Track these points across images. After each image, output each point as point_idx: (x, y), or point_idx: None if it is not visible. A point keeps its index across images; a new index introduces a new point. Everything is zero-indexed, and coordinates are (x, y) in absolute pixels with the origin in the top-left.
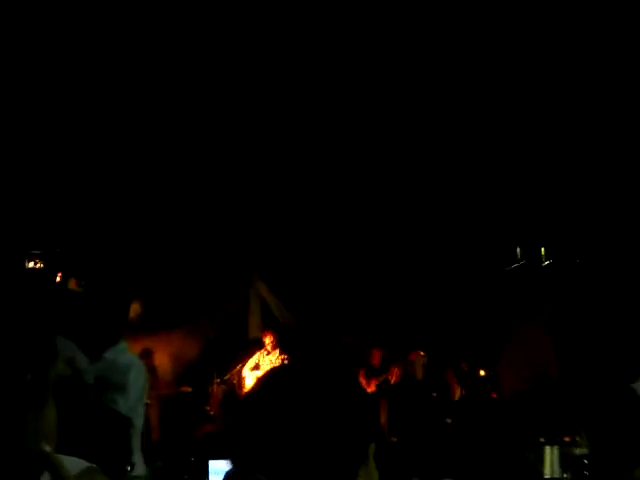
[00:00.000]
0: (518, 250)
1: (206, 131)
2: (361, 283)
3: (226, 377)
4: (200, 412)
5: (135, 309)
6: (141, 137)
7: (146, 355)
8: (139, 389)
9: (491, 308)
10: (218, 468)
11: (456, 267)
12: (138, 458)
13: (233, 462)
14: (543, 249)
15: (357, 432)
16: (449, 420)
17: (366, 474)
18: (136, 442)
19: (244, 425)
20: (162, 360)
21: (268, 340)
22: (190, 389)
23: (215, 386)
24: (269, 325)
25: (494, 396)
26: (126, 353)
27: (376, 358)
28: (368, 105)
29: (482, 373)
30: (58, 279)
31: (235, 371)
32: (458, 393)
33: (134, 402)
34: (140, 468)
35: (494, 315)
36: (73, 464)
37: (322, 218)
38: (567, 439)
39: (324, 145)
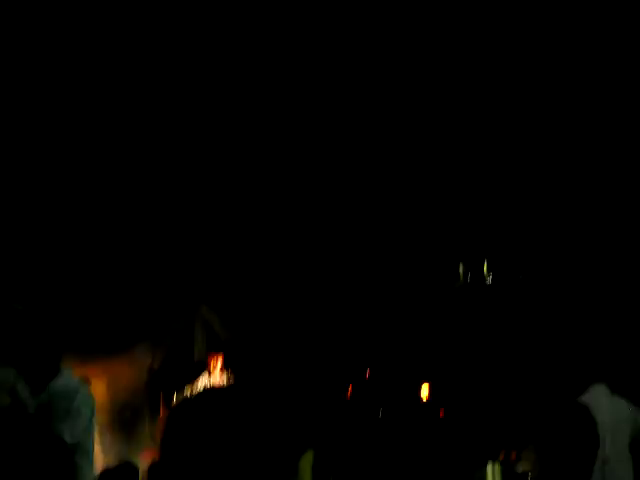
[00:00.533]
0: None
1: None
2: (307, 301)
3: (173, 404)
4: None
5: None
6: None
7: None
8: (87, 414)
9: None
10: None
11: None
12: None
13: None
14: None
15: (272, 449)
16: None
17: None
18: (88, 468)
19: (165, 446)
20: (99, 388)
21: (213, 363)
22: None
23: (160, 408)
24: (214, 346)
25: (441, 415)
26: (70, 381)
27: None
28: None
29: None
30: None
31: (182, 397)
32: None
33: (82, 428)
34: None
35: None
36: None
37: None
38: (512, 456)
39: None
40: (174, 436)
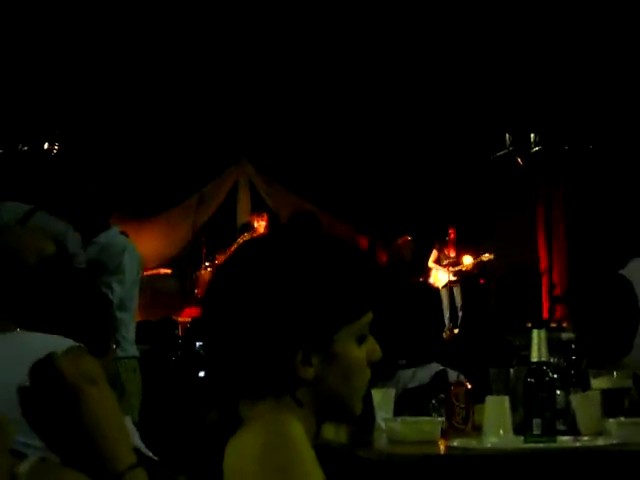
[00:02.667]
0: (507, 136)
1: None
2: (350, 168)
3: (215, 261)
4: (187, 295)
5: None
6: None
7: None
8: (134, 272)
9: (478, 196)
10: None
11: (442, 153)
12: (133, 341)
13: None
14: (533, 135)
15: (321, 309)
16: (433, 305)
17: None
18: (131, 325)
19: (207, 299)
20: (146, 244)
21: (259, 223)
22: (169, 271)
23: (203, 270)
24: (258, 207)
25: (481, 282)
26: (118, 236)
27: (363, 244)
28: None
29: (468, 260)
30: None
31: (224, 254)
32: (439, 277)
33: (129, 285)
34: (133, 349)
35: (481, 202)
36: (58, 342)
37: (313, 98)
38: (553, 325)
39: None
40: (217, 294)
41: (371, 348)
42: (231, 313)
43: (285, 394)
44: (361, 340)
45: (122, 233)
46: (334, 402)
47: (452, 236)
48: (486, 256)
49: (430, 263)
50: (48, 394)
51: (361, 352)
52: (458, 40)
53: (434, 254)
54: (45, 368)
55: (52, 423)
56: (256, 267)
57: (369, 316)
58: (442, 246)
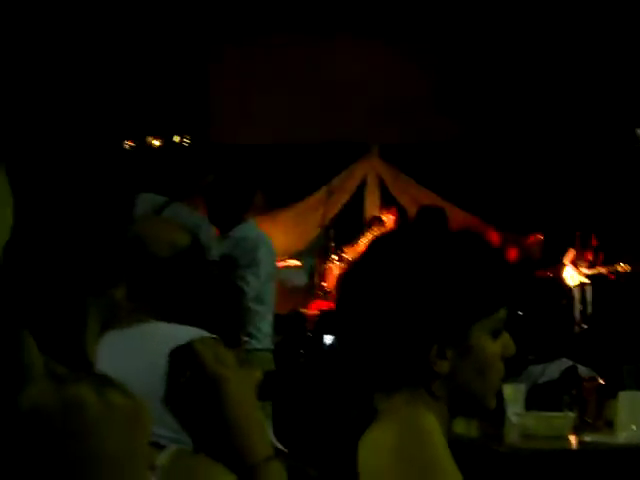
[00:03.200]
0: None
1: None
2: (482, 160)
3: (344, 254)
4: (315, 289)
5: (259, 197)
6: None
7: None
8: (269, 265)
9: (617, 189)
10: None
11: (575, 146)
12: (269, 333)
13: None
14: None
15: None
16: (564, 301)
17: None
18: (267, 318)
19: (339, 293)
20: (274, 237)
21: (388, 218)
22: (300, 264)
23: (331, 263)
24: (387, 201)
25: (612, 278)
26: (255, 229)
27: (495, 240)
28: None
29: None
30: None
31: (353, 248)
32: (574, 275)
33: (265, 278)
34: (268, 341)
35: (622, 196)
36: (192, 333)
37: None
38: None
39: None
40: (353, 289)
41: (506, 343)
42: (368, 308)
43: (420, 387)
44: (496, 335)
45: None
46: (468, 396)
47: (593, 242)
48: (621, 266)
49: (566, 261)
50: (188, 380)
51: (496, 346)
52: (589, 28)
53: (572, 253)
54: (185, 354)
55: (191, 409)
56: (393, 262)
57: (504, 311)
58: (582, 248)
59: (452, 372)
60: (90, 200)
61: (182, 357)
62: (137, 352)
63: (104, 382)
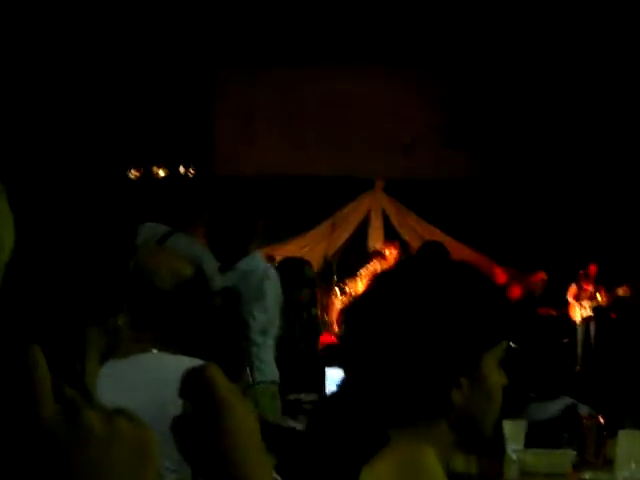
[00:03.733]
0: None
1: None
2: (487, 198)
3: (346, 288)
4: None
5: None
6: None
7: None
8: (275, 298)
9: (622, 232)
10: (334, 376)
11: (578, 184)
12: (272, 365)
13: (343, 368)
14: None
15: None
16: (566, 340)
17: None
18: (271, 350)
19: (348, 328)
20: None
21: (390, 252)
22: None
23: (334, 296)
24: (390, 234)
25: (613, 316)
26: (261, 262)
27: (500, 276)
28: None
29: (604, 297)
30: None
31: (355, 282)
32: (577, 311)
33: (271, 312)
34: (273, 374)
35: (626, 239)
36: (193, 363)
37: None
38: None
39: None
40: (365, 325)
41: (503, 373)
42: (380, 342)
43: (435, 420)
44: (499, 364)
45: (269, 257)
46: (474, 427)
47: (592, 272)
48: (621, 290)
49: (569, 297)
50: (196, 404)
51: (501, 376)
52: (593, 70)
53: (573, 289)
54: (196, 379)
55: (196, 436)
56: (402, 295)
57: (505, 342)
58: (582, 281)
59: (466, 402)
60: (93, 227)
61: (192, 381)
62: (142, 382)
63: (111, 410)
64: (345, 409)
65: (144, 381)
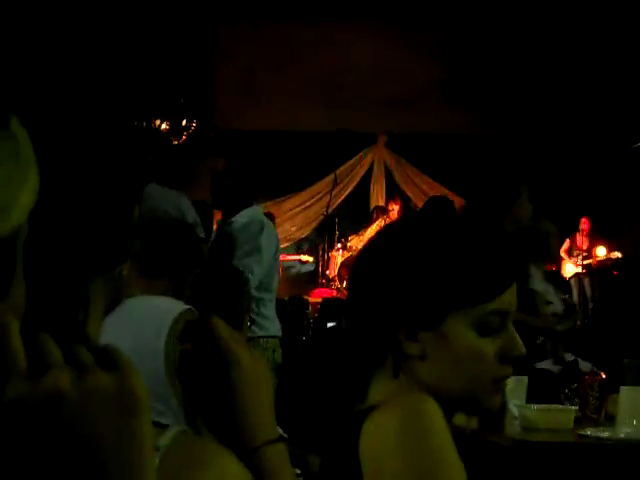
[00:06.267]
0: None
1: None
2: (490, 153)
3: (348, 243)
4: (318, 277)
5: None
6: None
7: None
8: (271, 251)
9: (616, 186)
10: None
11: (580, 140)
12: (273, 319)
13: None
14: None
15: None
16: (567, 295)
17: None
18: (271, 304)
19: (351, 282)
20: (279, 224)
21: (393, 207)
22: (311, 259)
23: (336, 252)
24: (393, 194)
25: (615, 273)
26: (258, 216)
27: None
28: None
29: (602, 251)
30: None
31: (357, 237)
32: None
33: (267, 264)
34: (275, 328)
35: (619, 193)
36: (177, 305)
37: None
38: None
39: None
40: (362, 276)
41: (507, 343)
42: (364, 292)
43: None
44: (483, 329)
45: (267, 214)
46: (453, 390)
47: (585, 226)
48: (616, 254)
49: (562, 252)
50: (200, 353)
51: (483, 343)
52: (597, 26)
53: (566, 243)
54: (200, 327)
55: (200, 384)
56: (388, 248)
57: (498, 307)
58: (575, 236)
59: (428, 357)
60: (96, 173)
61: (193, 326)
62: (135, 326)
63: (90, 363)
64: (337, 361)
65: (142, 322)
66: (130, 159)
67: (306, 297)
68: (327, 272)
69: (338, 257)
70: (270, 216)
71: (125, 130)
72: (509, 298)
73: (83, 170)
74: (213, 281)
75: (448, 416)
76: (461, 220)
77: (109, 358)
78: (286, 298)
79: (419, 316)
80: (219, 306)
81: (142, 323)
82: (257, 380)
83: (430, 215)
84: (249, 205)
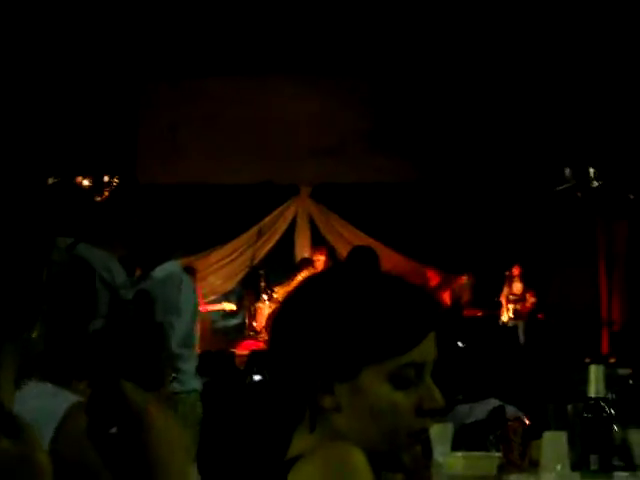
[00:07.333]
0: (567, 171)
1: None
2: (412, 201)
3: (274, 294)
4: (246, 329)
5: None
6: None
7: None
8: (190, 306)
9: (541, 231)
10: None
11: (503, 187)
12: (193, 374)
13: (268, 373)
14: (592, 170)
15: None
16: (496, 341)
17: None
18: (192, 359)
19: (272, 335)
20: (203, 277)
21: (319, 258)
22: (235, 307)
23: (262, 304)
24: (318, 241)
25: (540, 317)
26: (177, 270)
27: (433, 279)
28: None
29: (531, 299)
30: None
31: (283, 288)
32: (506, 313)
33: (188, 319)
34: (195, 383)
35: (544, 238)
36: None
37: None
38: (612, 360)
39: None
40: (281, 329)
41: (424, 395)
42: (280, 342)
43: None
44: (398, 382)
45: (187, 268)
46: (371, 442)
47: (516, 272)
48: (530, 298)
49: (501, 299)
50: (111, 418)
51: (396, 395)
52: (518, 72)
53: (505, 290)
54: (109, 391)
55: (114, 451)
56: (307, 301)
57: (413, 360)
58: (509, 282)
59: (343, 409)
60: (6, 238)
61: (107, 392)
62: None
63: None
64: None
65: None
66: (37, 222)
67: (233, 350)
68: (254, 324)
69: (265, 308)
70: (190, 270)
71: (33, 193)
72: (426, 349)
73: None
74: (133, 337)
75: (374, 468)
76: (378, 272)
77: (15, 426)
78: (212, 351)
79: (334, 368)
80: (140, 362)
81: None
82: (171, 440)
83: (348, 268)
84: (167, 259)
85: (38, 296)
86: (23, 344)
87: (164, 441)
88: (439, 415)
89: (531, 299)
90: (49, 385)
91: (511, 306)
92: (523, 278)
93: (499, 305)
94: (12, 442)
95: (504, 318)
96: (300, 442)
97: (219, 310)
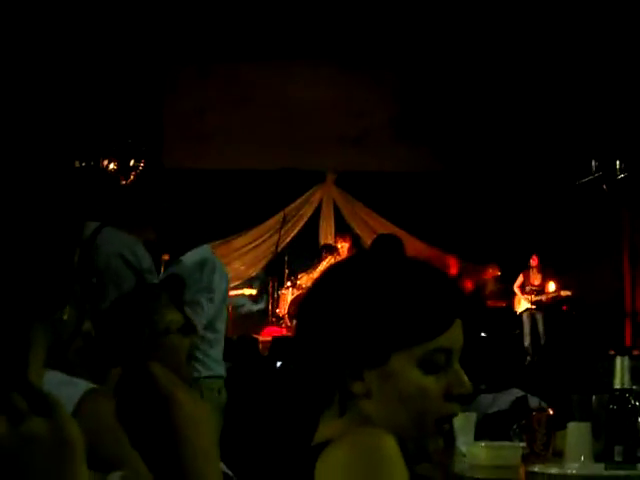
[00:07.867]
0: (593, 163)
1: None
2: (436, 190)
3: (298, 280)
4: (269, 315)
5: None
6: None
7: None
8: (222, 291)
9: (563, 222)
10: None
11: (529, 178)
12: (220, 360)
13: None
14: (618, 162)
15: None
16: (517, 331)
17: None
18: (219, 344)
19: (298, 322)
20: (228, 263)
21: (342, 245)
22: (254, 292)
23: (286, 290)
24: (342, 228)
25: (564, 309)
26: (209, 254)
27: (453, 267)
28: None
29: (552, 287)
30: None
31: (307, 274)
32: (521, 303)
33: (218, 304)
34: (221, 369)
35: (567, 229)
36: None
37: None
38: (636, 352)
39: None
40: (309, 316)
41: (452, 380)
42: (312, 332)
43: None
44: (428, 367)
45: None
46: (400, 428)
47: (535, 263)
48: (564, 292)
49: (515, 288)
50: (140, 400)
51: (427, 381)
52: (545, 64)
53: (519, 279)
54: (138, 373)
55: (143, 432)
56: (333, 287)
57: (442, 345)
58: (528, 272)
59: (374, 395)
60: (36, 218)
61: (135, 374)
62: None
63: (25, 410)
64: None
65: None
66: (67, 204)
67: (256, 336)
68: (277, 310)
69: (288, 295)
70: None
71: (62, 176)
72: (453, 335)
73: (19, 216)
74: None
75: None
76: (405, 259)
77: (46, 404)
78: (235, 337)
79: (364, 355)
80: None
81: None
82: (198, 422)
83: (374, 255)
84: (196, 244)
85: (69, 277)
86: (54, 325)
87: (192, 422)
88: (467, 401)
89: (554, 290)
90: (59, 374)
91: (529, 297)
92: (545, 269)
93: (513, 295)
94: (44, 420)
95: (519, 308)
96: (328, 427)
97: (239, 295)
